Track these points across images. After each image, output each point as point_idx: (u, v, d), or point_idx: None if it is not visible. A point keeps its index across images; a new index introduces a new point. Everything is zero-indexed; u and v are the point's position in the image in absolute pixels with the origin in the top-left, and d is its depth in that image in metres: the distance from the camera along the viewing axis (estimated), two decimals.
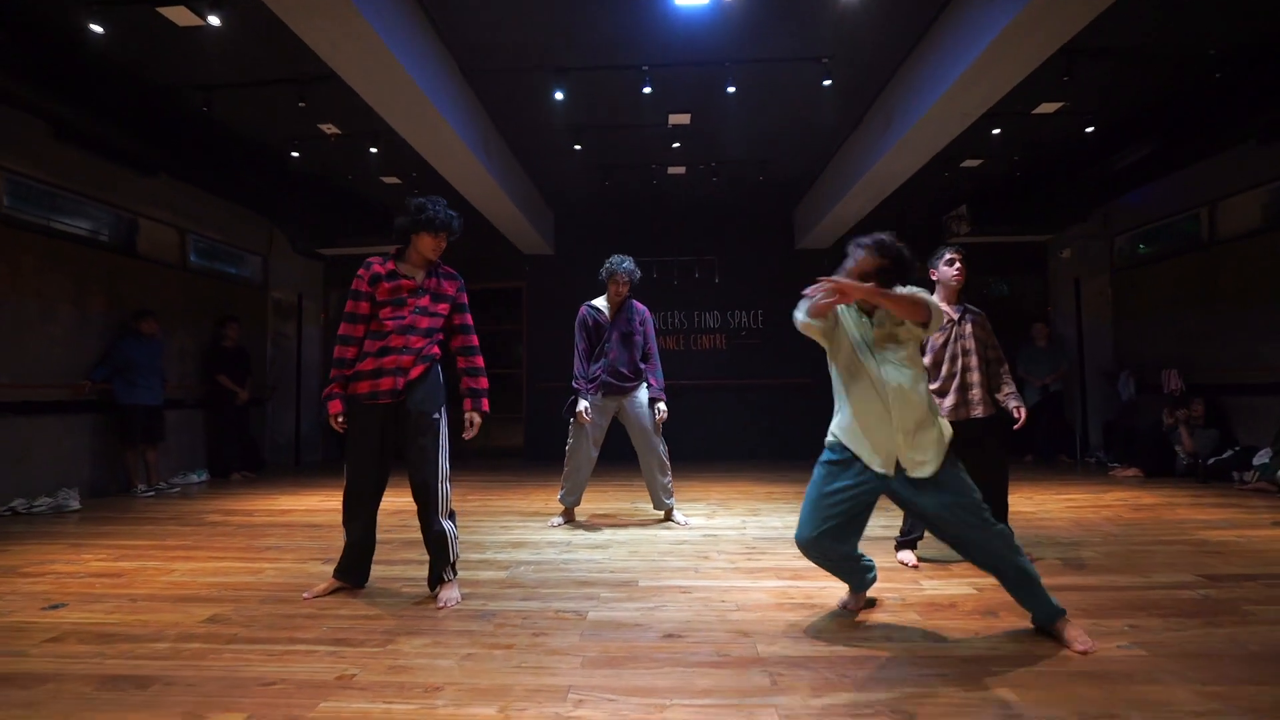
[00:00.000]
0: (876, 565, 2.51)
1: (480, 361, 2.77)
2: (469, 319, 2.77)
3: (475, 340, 2.78)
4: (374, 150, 5.63)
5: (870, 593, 2.62)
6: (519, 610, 2.47)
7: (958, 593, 2.64)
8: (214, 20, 3.62)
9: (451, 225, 2.61)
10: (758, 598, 2.60)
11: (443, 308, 2.68)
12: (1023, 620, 2.30)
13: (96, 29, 3.60)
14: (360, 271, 2.62)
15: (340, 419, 2.58)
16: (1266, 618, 2.30)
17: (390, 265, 2.62)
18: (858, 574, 2.40)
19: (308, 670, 1.94)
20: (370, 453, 2.60)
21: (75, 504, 4.80)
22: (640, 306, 4.08)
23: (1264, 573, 2.83)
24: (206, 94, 4.62)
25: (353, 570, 2.74)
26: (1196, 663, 1.94)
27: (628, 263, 3.91)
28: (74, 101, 4.32)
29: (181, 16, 3.75)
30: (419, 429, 2.56)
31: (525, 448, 8.12)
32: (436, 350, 2.68)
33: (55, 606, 2.56)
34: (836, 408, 2.28)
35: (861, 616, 2.37)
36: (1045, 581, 2.73)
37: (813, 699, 1.75)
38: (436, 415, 2.60)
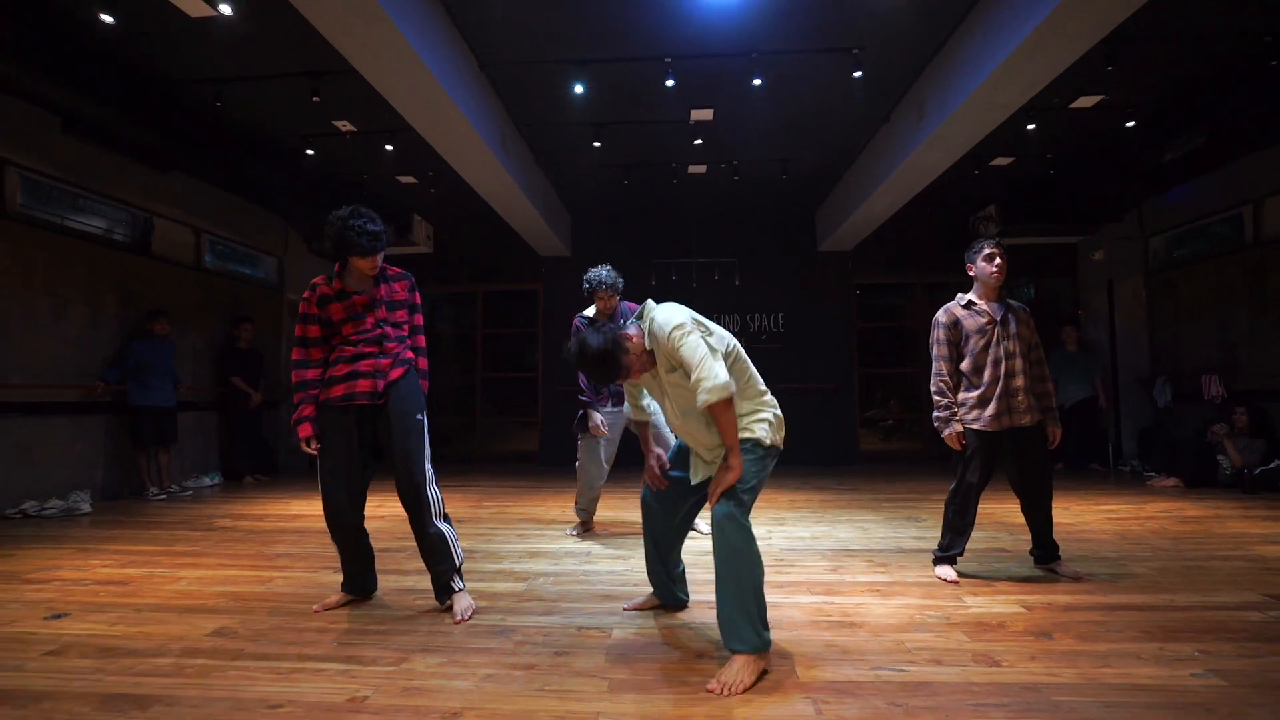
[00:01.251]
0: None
1: (425, 364, 2.66)
2: (420, 319, 2.67)
3: (423, 341, 2.69)
4: (389, 148, 5.54)
5: (912, 610, 2.46)
6: (539, 626, 2.33)
7: (1005, 611, 2.46)
8: (225, 9, 3.53)
9: (377, 247, 2.44)
10: (791, 614, 2.45)
11: (401, 314, 2.59)
12: (1081, 643, 2.14)
13: (107, 19, 3.52)
14: (305, 294, 2.50)
15: (313, 443, 2.47)
16: None
17: (337, 284, 2.49)
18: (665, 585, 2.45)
19: (317, 691, 1.82)
20: (346, 458, 2.47)
21: (87, 507, 4.73)
22: (630, 305, 3.79)
23: None
24: (219, 87, 4.54)
25: (356, 582, 2.62)
26: None
27: (605, 273, 3.59)
28: (83, 93, 4.24)
29: (193, 6, 3.67)
30: (404, 430, 2.45)
31: (540, 452, 8.00)
32: (411, 354, 2.59)
33: (57, 616, 2.46)
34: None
35: (906, 636, 2.21)
36: (1097, 600, 2.58)
37: None
38: (420, 416, 2.50)
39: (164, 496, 5.43)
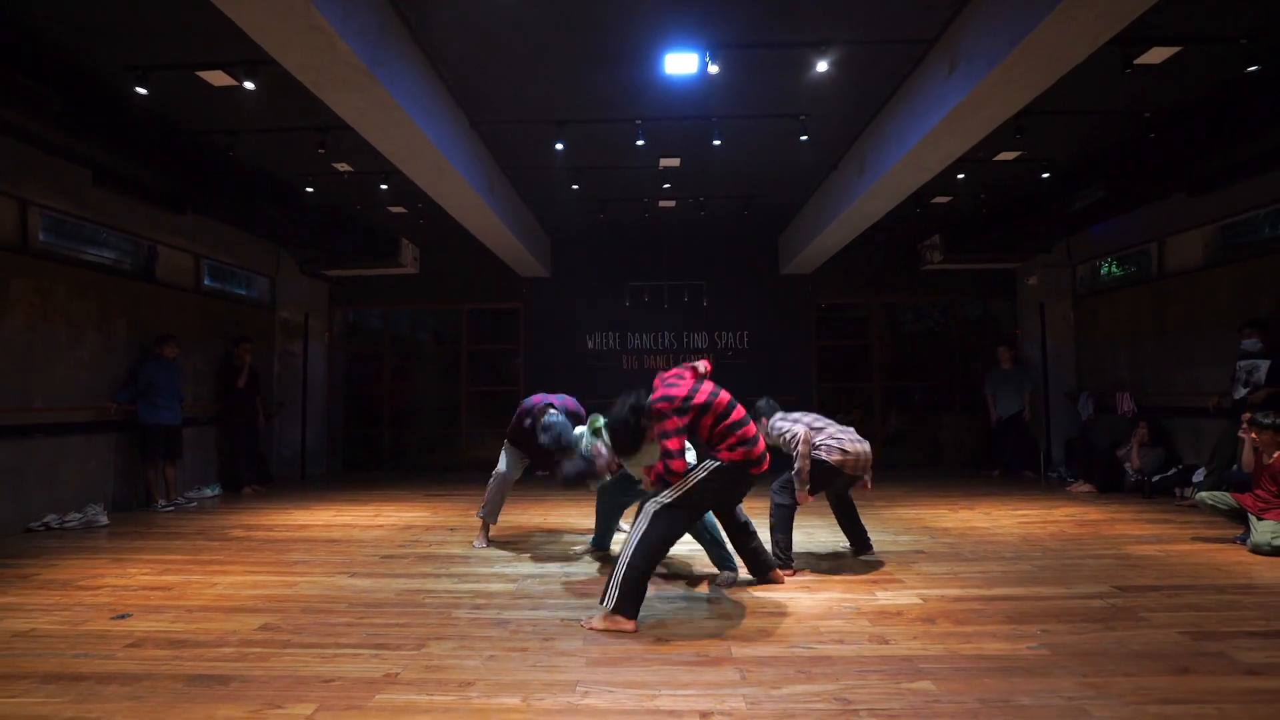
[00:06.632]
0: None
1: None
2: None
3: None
4: (384, 186, 6.01)
5: (832, 602, 3.05)
6: (529, 619, 2.87)
7: (906, 603, 3.06)
8: (249, 85, 4.01)
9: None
10: (735, 607, 3.02)
11: None
12: (956, 626, 2.74)
13: (141, 91, 3.97)
14: None
15: None
16: (1157, 622, 2.74)
17: None
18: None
19: (359, 670, 2.34)
20: None
21: (104, 519, 5.13)
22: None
23: (1168, 584, 3.28)
24: (232, 138, 5.00)
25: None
26: (1087, 660, 2.38)
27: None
28: (115, 150, 4.69)
29: (218, 79, 4.14)
30: None
31: None
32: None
33: (123, 616, 2.93)
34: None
35: (822, 623, 2.80)
36: (982, 592, 3.20)
37: (772, 690, 2.17)
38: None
39: (171, 508, 5.83)
